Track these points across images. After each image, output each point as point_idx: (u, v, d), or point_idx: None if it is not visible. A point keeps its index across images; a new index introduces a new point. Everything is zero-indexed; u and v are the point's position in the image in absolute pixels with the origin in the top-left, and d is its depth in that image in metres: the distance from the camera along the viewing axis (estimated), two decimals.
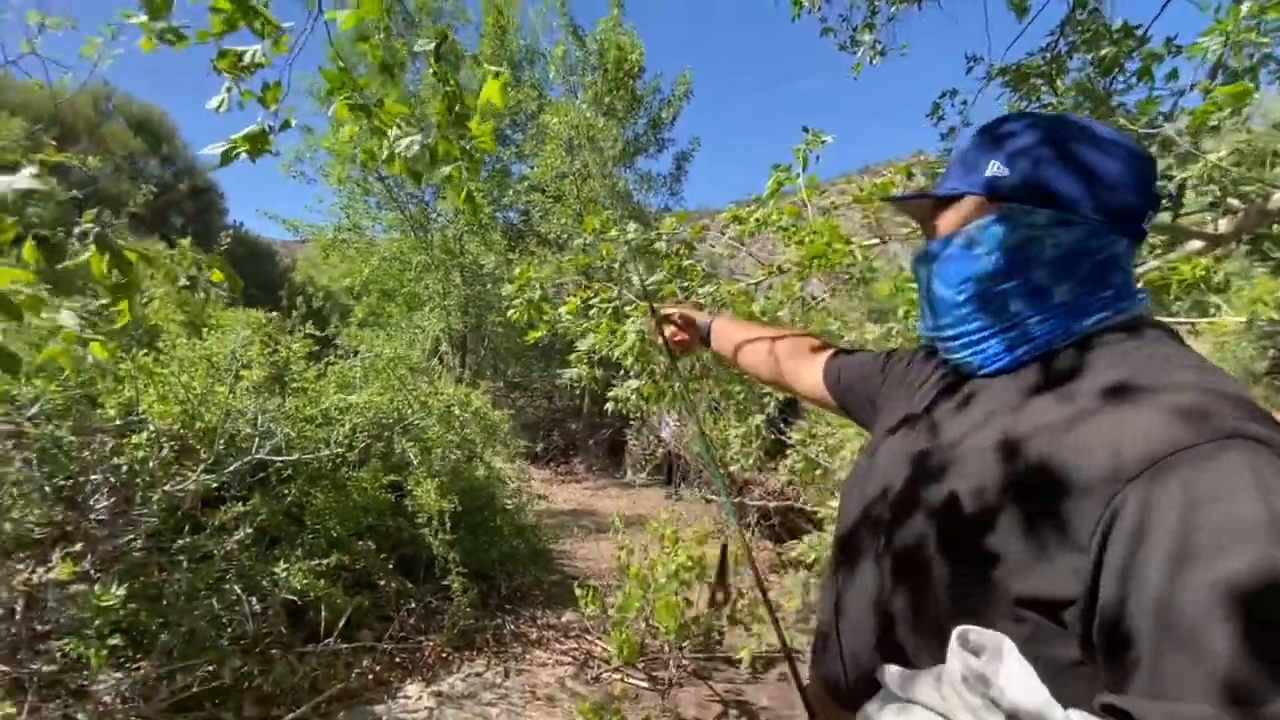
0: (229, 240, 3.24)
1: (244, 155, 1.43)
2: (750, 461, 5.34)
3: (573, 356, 3.09)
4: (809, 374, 1.06)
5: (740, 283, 3.06)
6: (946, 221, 0.73)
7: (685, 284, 3.01)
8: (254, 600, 2.47)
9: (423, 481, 2.98)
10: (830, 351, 1.06)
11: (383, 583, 3.41)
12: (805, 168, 3.03)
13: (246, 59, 1.33)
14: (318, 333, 3.16)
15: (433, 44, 1.33)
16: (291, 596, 2.52)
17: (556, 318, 3.21)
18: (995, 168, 0.67)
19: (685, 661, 3.00)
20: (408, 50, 1.53)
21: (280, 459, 2.55)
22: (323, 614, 2.62)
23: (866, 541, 0.72)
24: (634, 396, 3.11)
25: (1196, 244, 2.44)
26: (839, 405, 1.00)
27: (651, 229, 3.19)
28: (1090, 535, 0.47)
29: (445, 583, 3.14)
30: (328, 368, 3.34)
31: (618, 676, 2.86)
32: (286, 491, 2.94)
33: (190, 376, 2.66)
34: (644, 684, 2.79)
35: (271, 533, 2.89)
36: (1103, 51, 3.72)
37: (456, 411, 3.50)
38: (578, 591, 3.05)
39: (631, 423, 8.38)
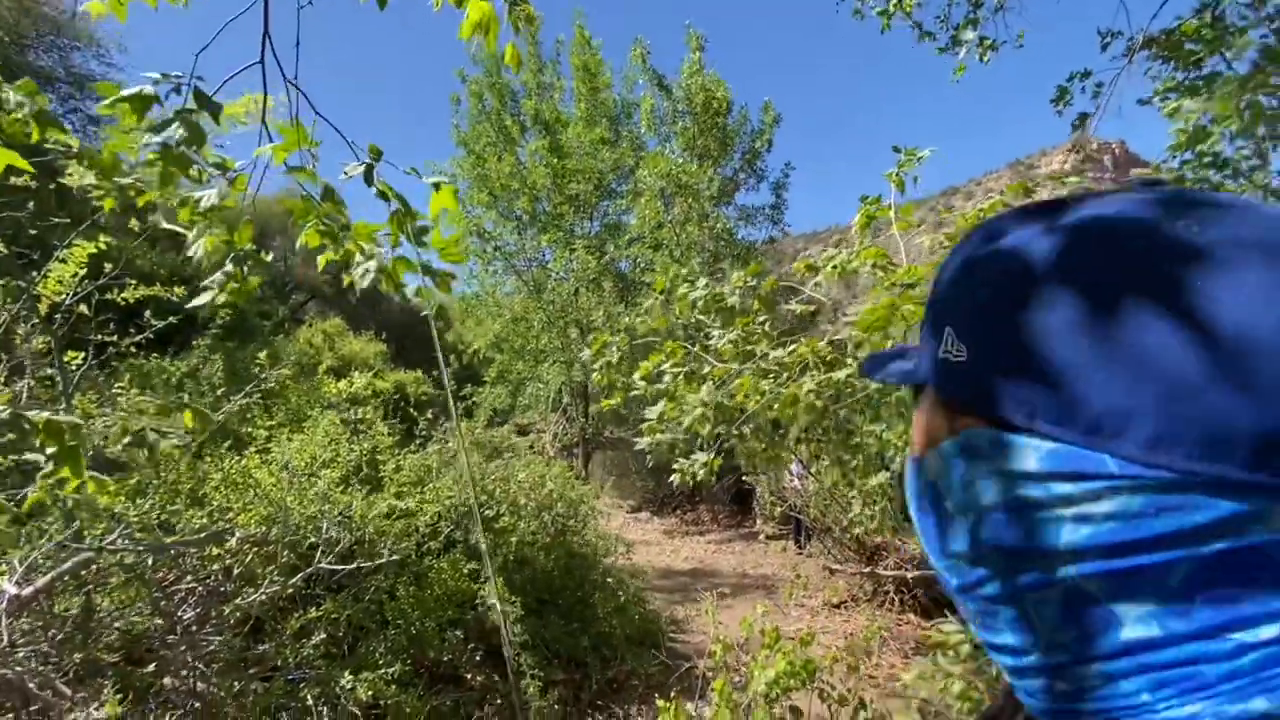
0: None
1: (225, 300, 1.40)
2: (874, 525, 4.66)
3: (644, 426, 2.86)
4: None
5: (819, 340, 2.66)
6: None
7: (751, 348, 2.67)
8: (325, 710, 2.46)
9: (491, 577, 2.85)
10: None
11: (469, 676, 3.32)
12: (902, 191, 2.59)
13: (203, 205, 1.29)
14: (381, 430, 3.24)
15: (361, 168, 1.20)
16: (356, 710, 2.47)
17: (630, 384, 3.02)
18: (948, 340, 0.34)
19: None
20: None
21: (341, 568, 2.56)
22: None
23: None
24: (703, 472, 2.80)
25: None
26: None
27: (745, 266, 2.93)
28: None
29: (524, 684, 2.96)
30: (407, 457, 3.40)
31: None
32: (370, 585, 2.97)
33: (275, 478, 2.79)
34: None
35: (353, 632, 2.91)
36: None
37: (523, 500, 3.38)
38: (660, 703, 2.72)
39: (748, 472, 7.88)
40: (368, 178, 1.20)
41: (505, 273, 11.85)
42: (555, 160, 10.55)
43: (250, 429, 3.06)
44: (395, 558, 2.67)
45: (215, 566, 2.35)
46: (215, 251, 1.41)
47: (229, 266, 1.42)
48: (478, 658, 3.26)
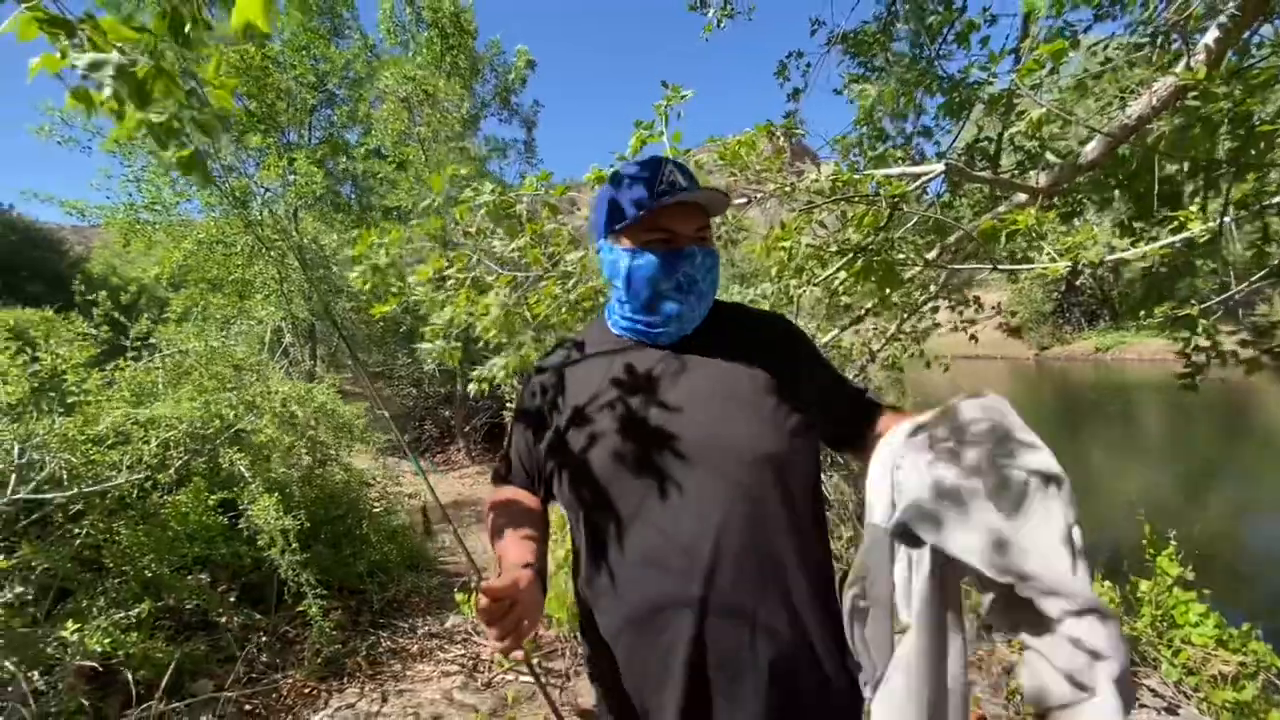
0: None
1: None
2: None
3: (427, 330, 2.76)
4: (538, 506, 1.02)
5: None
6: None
7: (550, 250, 2.79)
8: (34, 675, 1.96)
9: (259, 498, 2.54)
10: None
11: (223, 619, 2.93)
12: (667, 124, 2.88)
13: None
14: (93, 330, 2.50)
15: None
16: (92, 663, 2.03)
17: (408, 289, 2.83)
18: None
19: (581, 648, 2.89)
20: None
21: (55, 496, 2.02)
22: (133, 675, 2.15)
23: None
24: (501, 374, 2.85)
25: (1021, 196, 2.64)
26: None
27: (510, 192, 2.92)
28: None
29: (301, 608, 2.74)
30: (115, 373, 2.70)
31: (511, 678, 2.68)
32: (76, 531, 2.38)
33: None
34: (541, 680, 2.63)
35: (60, 585, 2.33)
36: (927, 21, 3.94)
37: (296, 410, 3.02)
38: (458, 596, 2.80)
39: (509, 403, 8.01)
40: None
41: (192, 182, 9.52)
42: (252, 49, 8.71)
43: None
44: (145, 471, 2.17)
45: None
46: None
47: None
48: (232, 598, 2.88)
